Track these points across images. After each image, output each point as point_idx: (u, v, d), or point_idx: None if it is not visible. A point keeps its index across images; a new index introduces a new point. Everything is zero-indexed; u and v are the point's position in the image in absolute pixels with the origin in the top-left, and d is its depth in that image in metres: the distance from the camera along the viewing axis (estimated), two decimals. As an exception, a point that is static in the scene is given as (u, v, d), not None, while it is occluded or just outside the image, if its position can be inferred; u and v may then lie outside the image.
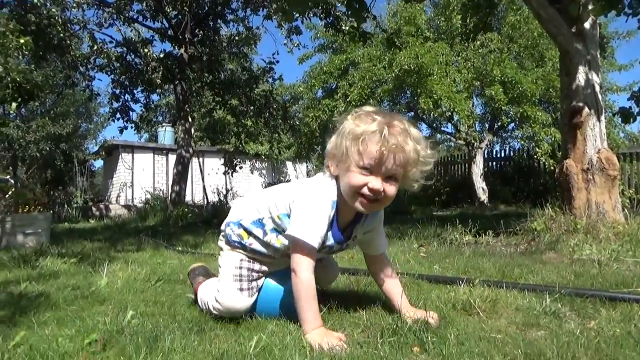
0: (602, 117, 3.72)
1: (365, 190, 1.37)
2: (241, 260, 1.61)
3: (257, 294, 1.61)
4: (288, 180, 14.94)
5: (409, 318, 1.45)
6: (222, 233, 1.70)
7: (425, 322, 1.40)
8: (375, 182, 1.36)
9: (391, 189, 1.39)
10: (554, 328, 1.43)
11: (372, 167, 1.36)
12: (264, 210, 1.58)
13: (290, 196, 1.52)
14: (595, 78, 3.71)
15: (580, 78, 3.67)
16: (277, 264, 1.64)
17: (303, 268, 1.39)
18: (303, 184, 1.57)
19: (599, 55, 3.84)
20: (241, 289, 1.57)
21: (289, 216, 1.51)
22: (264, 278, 1.65)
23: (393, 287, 1.61)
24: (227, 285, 1.58)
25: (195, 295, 1.80)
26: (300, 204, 1.46)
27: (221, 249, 1.70)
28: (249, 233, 1.60)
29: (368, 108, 1.44)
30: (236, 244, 1.62)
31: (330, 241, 1.51)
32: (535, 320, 1.52)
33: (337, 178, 1.47)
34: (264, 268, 1.64)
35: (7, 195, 5.59)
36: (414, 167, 1.39)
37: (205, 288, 1.73)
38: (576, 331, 1.37)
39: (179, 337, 1.37)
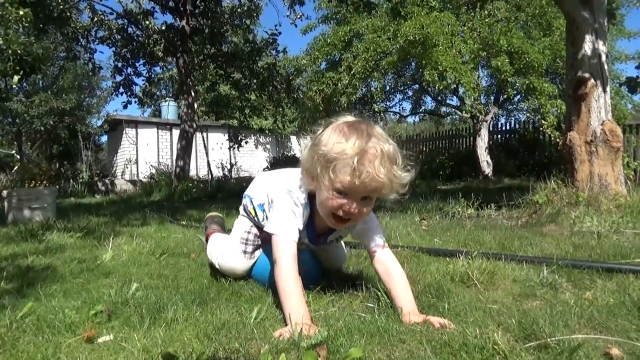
0: (608, 88, 3.67)
1: (339, 213, 1.35)
2: (251, 226, 1.78)
3: (256, 259, 1.75)
4: (292, 155, 15.01)
5: (409, 323, 1.25)
6: (243, 199, 1.85)
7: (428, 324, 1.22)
8: (351, 205, 1.32)
9: (365, 209, 1.36)
10: (549, 298, 1.46)
11: (346, 192, 1.31)
12: (265, 196, 1.69)
13: (272, 190, 1.57)
14: (602, 48, 3.64)
15: (587, 48, 3.61)
16: None
17: (283, 259, 1.36)
18: (285, 178, 1.55)
19: (606, 24, 3.75)
20: (245, 252, 1.75)
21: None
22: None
23: (393, 286, 1.43)
24: (234, 246, 1.76)
25: (207, 239, 2.10)
26: (277, 201, 1.49)
27: (239, 212, 1.88)
28: (255, 211, 1.74)
29: (347, 118, 1.37)
30: (248, 214, 1.79)
31: (306, 239, 1.56)
32: (531, 291, 1.55)
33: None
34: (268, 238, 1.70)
35: (13, 170, 5.64)
36: (389, 189, 1.34)
37: (216, 241, 1.95)
38: (571, 301, 1.40)
39: (182, 308, 1.41)
